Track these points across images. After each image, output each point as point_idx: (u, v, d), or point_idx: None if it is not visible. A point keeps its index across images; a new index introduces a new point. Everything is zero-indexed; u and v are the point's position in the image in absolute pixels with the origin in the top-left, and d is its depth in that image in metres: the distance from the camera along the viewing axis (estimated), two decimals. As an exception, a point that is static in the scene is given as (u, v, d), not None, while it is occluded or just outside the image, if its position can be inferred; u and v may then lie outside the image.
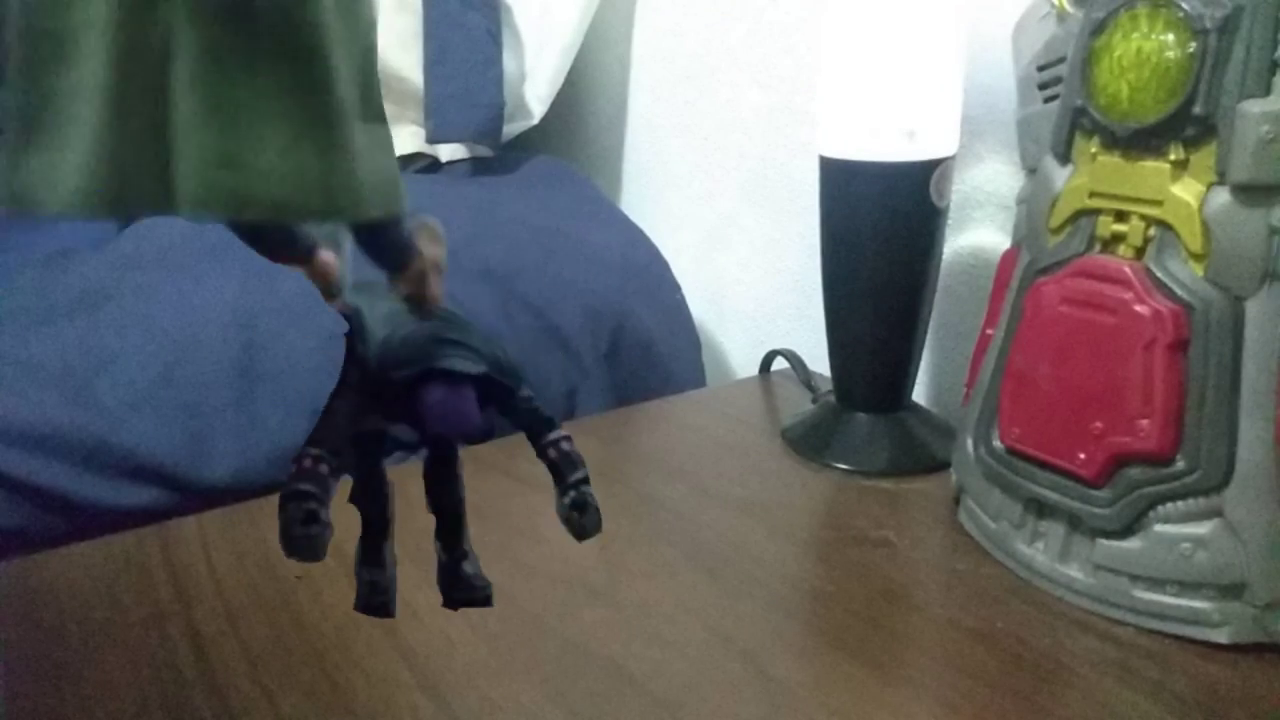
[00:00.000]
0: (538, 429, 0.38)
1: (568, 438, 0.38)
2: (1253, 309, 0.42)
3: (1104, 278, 0.45)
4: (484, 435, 0.43)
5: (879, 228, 0.61)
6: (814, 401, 0.71)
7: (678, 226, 0.88)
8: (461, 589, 0.47)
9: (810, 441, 0.66)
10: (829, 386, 0.70)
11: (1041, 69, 0.49)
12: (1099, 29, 0.44)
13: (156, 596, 0.50)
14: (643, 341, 0.80)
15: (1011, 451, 0.50)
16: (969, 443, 0.54)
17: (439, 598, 0.38)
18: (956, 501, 0.57)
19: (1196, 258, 0.42)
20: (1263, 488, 0.42)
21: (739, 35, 0.87)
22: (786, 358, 0.76)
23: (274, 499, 0.27)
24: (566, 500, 0.37)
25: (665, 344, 0.82)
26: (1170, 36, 0.41)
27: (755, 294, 0.92)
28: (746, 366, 0.94)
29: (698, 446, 0.69)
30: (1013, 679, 0.44)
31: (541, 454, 0.37)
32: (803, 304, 0.86)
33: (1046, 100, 0.49)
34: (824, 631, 0.47)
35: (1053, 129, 0.48)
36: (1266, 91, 0.40)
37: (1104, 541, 0.47)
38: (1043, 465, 0.48)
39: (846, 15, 0.58)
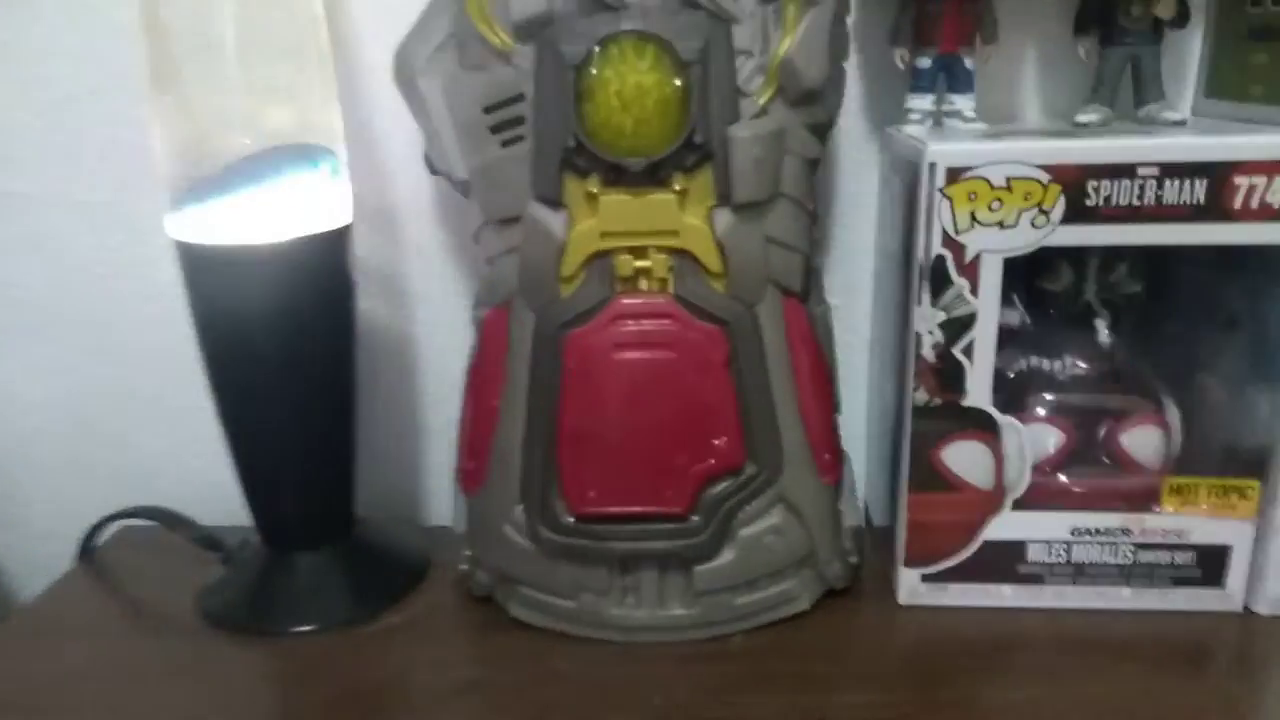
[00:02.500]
0: None
1: None
2: (763, 313, 0.45)
3: (646, 315, 0.44)
4: None
5: (285, 320, 0.48)
6: (227, 560, 0.53)
7: None
8: None
9: (247, 609, 0.51)
10: (237, 536, 0.54)
11: (490, 110, 0.44)
12: (582, 63, 0.42)
13: None
14: None
15: (587, 518, 0.46)
16: (512, 531, 0.48)
17: None
18: (485, 600, 0.50)
19: (717, 277, 0.44)
20: (804, 463, 0.47)
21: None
22: (156, 517, 0.55)
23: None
24: None
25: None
26: (664, 69, 0.42)
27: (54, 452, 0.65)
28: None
29: (103, 666, 0.46)
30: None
31: None
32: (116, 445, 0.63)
33: (505, 144, 0.45)
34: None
35: (532, 173, 0.44)
36: (736, 116, 0.43)
37: (701, 568, 0.47)
38: (627, 519, 0.46)
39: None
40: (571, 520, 0.46)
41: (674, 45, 0.41)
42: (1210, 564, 0.48)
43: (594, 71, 0.42)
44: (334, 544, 0.53)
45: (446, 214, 0.59)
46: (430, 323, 0.61)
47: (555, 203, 0.44)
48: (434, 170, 0.49)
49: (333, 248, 0.49)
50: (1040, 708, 0.42)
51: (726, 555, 0.47)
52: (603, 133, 0.42)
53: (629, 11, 0.42)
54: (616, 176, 0.43)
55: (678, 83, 0.42)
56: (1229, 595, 0.48)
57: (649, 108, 0.42)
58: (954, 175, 0.43)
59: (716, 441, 0.45)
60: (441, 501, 0.63)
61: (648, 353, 0.44)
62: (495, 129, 0.45)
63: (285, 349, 0.48)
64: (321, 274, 0.48)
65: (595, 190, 0.43)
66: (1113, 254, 0.49)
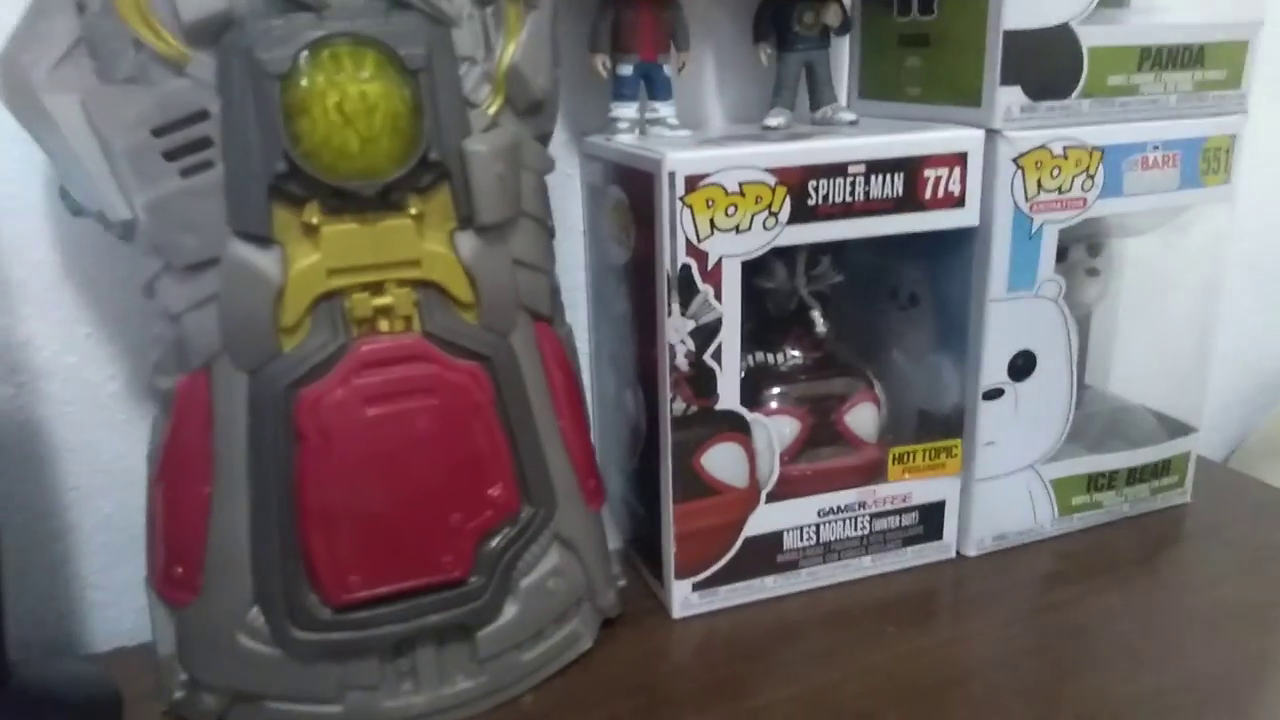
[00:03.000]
0: None
1: None
2: (517, 341, 0.42)
3: (396, 360, 0.38)
4: None
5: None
6: None
7: None
8: None
9: None
10: None
11: (163, 132, 0.36)
12: (289, 72, 0.35)
13: None
14: None
15: (351, 606, 0.39)
16: (249, 639, 0.39)
17: None
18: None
19: (467, 308, 0.40)
20: (573, 494, 0.44)
21: None
22: None
23: None
24: None
25: None
26: (389, 78, 0.36)
27: None
28: None
29: None
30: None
31: None
32: None
33: (187, 172, 0.36)
34: None
35: (229, 206, 0.36)
36: (468, 130, 0.39)
37: (484, 631, 0.42)
38: (398, 597, 0.40)
39: None
40: (329, 613, 0.39)
41: (396, 51, 0.36)
42: (930, 520, 0.53)
43: (304, 83, 0.35)
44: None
45: (79, 263, 0.47)
46: (64, 401, 0.49)
47: (264, 239, 0.37)
48: (77, 210, 0.39)
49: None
50: (836, 689, 0.44)
51: (510, 611, 0.42)
52: (323, 153, 0.36)
53: (332, 12, 0.36)
54: (340, 203, 0.37)
55: (406, 93, 0.36)
56: (946, 545, 0.54)
57: (377, 123, 0.36)
58: (692, 184, 0.43)
59: (492, 491, 0.41)
60: (115, 618, 0.51)
61: (404, 403, 0.38)
62: (171, 155, 0.36)
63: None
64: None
65: (315, 220, 0.37)
66: (816, 249, 0.52)
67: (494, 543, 0.41)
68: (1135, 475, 0.57)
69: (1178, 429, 0.59)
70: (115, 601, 0.51)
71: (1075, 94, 0.48)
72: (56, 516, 0.50)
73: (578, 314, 0.56)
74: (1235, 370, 0.84)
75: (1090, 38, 0.47)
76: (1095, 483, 0.56)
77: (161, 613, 0.41)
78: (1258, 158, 0.57)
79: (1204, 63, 0.50)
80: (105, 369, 0.49)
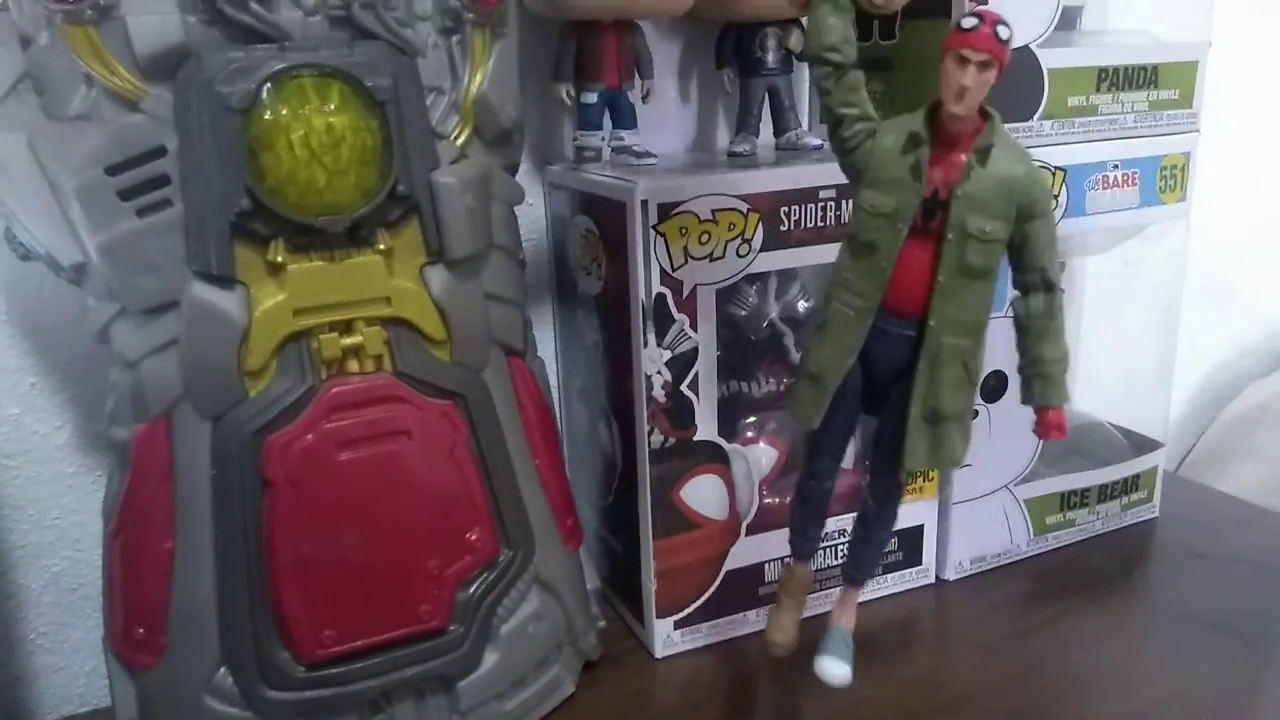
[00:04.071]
0: None
1: None
2: (490, 377, 0.40)
3: (368, 401, 0.37)
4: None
5: None
6: None
7: None
8: None
9: None
10: None
11: (117, 170, 0.34)
12: (250, 104, 0.33)
13: None
14: None
15: (326, 662, 0.37)
16: (217, 702, 0.37)
17: None
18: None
19: (439, 345, 0.39)
20: (551, 535, 0.43)
21: None
22: None
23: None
24: None
25: None
26: (357, 110, 0.35)
27: None
28: None
29: None
30: None
31: None
32: None
33: (143, 212, 0.34)
34: None
35: (189, 245, 0.35)
36: (436, 161, 0.38)
37: (465, 681, 0.40)
38: (375, 650, 0.38)
39: None
40: (303, 670, 0.37)
41: (363, 81, 0.35)
42: (909, 545, 0.52)
43: (268, 116, 0.34)
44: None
45: (22, 308, 0.45)
46: (7, 455, 0.47)
47: (227, 279, 0.35)
48: (25, 255, 0.37)
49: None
50: (830, 725, 0.43)
51: (490, 659, 0.41)
52: (289, 189, 0.34)
53: (294, 43, 0.35)
54: (307, 240, 0.36)
55: (373, 125, 0.35)
56: (926, 570, 0.53)
57: (345, 156, 0.35)
58: (665, 212, 0.42)
59: (470, 535, 0.39)
60: (64, 683, 0.48)
61: (377, 447, 0.37)
62: (127, 194, 0.34)
63: None
64: None
65: (281, 259, 0.35)
66: (786, 275, 0.51)
67: (472, 589, 0.40)
68: (1106, 492, 0.57)
69: (1142, 444, 0.60)
70: (65, 665, 0.48)
71: (1037, 115, 0.49)
72: (1, 577, 0.47)
73: (545, 346, 0.55)
74: (1188, 384, 0.86)
75: (1050, 59, 0.48)
76: (1068, 501, 0.56)
77: (121, 677, 0.39)
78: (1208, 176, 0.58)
79: (1158, 82, 0.51)
80: (52, 419, 0.47)
